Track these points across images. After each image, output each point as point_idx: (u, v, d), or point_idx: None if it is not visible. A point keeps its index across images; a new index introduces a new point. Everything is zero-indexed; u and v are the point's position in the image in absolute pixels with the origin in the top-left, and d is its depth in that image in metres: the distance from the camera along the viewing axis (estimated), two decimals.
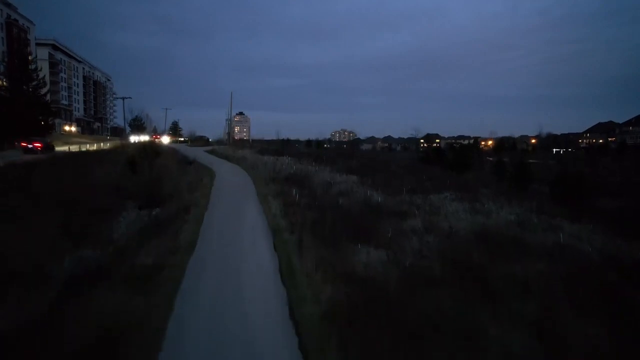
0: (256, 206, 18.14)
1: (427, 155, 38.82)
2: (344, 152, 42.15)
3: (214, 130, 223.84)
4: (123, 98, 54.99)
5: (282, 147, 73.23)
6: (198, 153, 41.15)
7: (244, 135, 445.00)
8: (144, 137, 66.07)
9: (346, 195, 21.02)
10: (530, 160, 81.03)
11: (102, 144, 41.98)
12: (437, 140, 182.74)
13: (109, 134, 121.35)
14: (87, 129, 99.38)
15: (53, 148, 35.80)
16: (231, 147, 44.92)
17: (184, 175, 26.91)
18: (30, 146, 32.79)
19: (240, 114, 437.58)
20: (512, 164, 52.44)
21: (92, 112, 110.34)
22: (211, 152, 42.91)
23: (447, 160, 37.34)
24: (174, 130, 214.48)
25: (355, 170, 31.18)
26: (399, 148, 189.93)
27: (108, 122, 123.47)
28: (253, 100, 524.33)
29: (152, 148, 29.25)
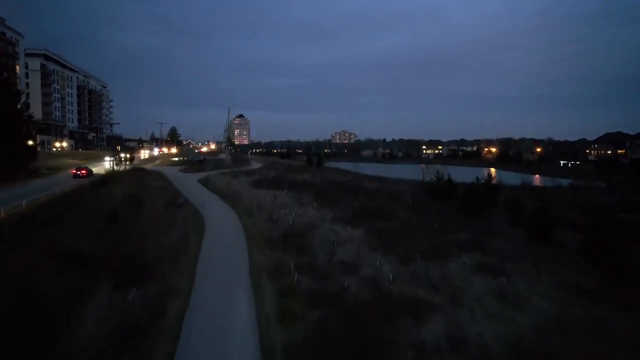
0: (247, 299, 15.39)
1: (436, 189, 35.91)
2: (347, 186, 39.36)
3: (213, 132, 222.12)
4: (111, 124, 52.13)
5: (284, 161, 70.68)
6: (191, 185, 38.43)
7: (244, 138, 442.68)
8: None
9: (352, 271, 18.29)
10: (539, 178, 77.84)
11: (88, 170, 39.45)
12: (440, 147, 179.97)
13: (104, 143, 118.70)
14: (81, 142, 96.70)
15: (92, 173, 42.56)
16: (226, 177, 42.11)
17: (171, 229, 24.19)
18: (78, 172, 40.65)
19: (240, 116, 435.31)
20: (523, 187, 49.49)
21: (87, 122, 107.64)
22: (205, 182, 40.14)
23: (458, 197, 34.51)
24: (172, 137, 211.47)
25: (359, 214, 28.49)
26: (400, 154, 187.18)
27: (104, 131, 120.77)
28: (253, 100, 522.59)
29: (136, 198, 26.47)
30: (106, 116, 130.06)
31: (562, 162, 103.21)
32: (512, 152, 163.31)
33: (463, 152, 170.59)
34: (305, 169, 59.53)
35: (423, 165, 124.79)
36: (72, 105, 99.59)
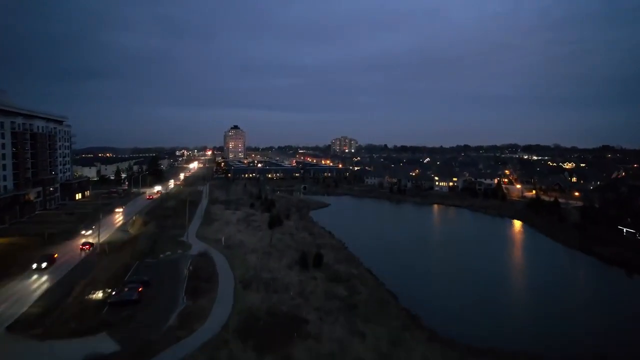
0: None
1: None
2: None
3: (213, 133, 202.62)
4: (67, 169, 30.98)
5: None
6: None
7: (239, 149, 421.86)
8: None
9: None
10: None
11: None
12: (454, 179, 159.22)
13: (58, 194, 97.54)
14: (12, 209, 74.92)
15: None
16: None
17: None
18: None
19: (235, 127, 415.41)
20: None
21: (31, 175, 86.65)
22: None
23: None
24: (153, 165, 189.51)
25: None
26: (409, 185, 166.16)
27: (56, 181, 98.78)
28: (254, 99, 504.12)
29: None
30: (63, 157, 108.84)
31: (622, 228, 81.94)
32: (546, 199, 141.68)
33: (481, 187, 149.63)
34: (298, 305, 38.68)
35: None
36: (4, 159, 78.52)
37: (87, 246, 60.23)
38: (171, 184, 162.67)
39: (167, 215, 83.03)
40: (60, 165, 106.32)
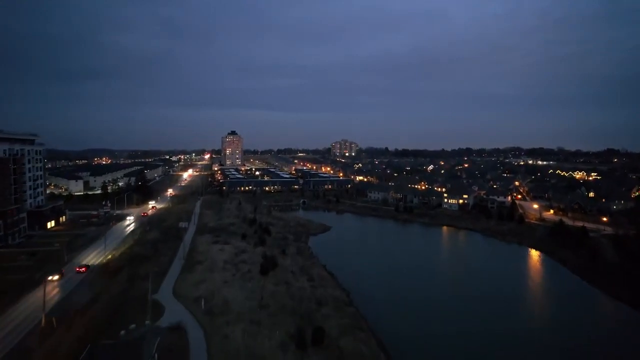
0: None
1: None
2: None
3: (211, 139, 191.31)
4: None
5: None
6: None
7: (237, 155, 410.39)
8: None
9: None
10: None
11: None
12: (465, 196, 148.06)
13: (25, 225, 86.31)
14: None
15: None
16: None
17: None
18: None
19: (233, 133, 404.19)
20: None
21: None
22: None
23: None
24: (141, 184, 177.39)
25: None
26: (415, 200, 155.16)
27: (22, 210, 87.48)
28: (254, 100, 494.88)
29: None
30: (34, 180, 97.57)
31: None
32: (558, 205, 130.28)
33: (493, 205, 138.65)
34: None
35: None
36: None
37: (84, 268, 61.49)
38: (152, 206, 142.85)
39: (144, 257, 71.71)
40: (31, 189, 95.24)
